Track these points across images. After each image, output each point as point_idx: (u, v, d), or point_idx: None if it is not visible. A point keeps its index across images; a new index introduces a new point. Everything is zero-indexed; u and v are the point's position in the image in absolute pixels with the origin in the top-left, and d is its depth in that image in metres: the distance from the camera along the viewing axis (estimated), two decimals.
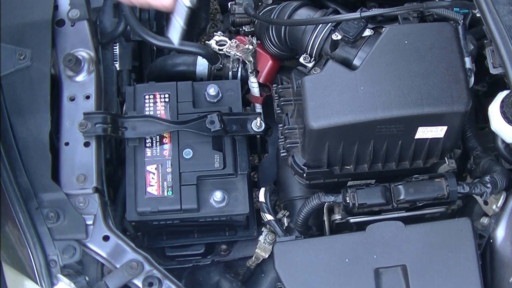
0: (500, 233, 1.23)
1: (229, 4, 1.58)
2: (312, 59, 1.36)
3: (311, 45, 1.36)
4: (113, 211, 1.41)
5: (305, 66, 1.36)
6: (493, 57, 1.27)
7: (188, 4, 1.28)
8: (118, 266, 1.31)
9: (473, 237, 1.21)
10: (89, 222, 1.33)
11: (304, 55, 1.37)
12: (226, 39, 1.42)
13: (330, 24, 1.34)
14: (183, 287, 1.33)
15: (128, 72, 1.60)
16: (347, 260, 1.21)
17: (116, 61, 1.59)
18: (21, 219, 1.30)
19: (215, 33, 1.46)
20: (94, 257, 1.33)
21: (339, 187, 1.29)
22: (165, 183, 1.37)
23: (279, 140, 1.39)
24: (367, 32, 1.29)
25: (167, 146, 1.41)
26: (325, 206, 1.32)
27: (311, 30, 1.36)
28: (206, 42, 1.42)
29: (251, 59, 1.44)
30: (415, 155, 1.28)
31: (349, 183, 1.29)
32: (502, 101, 1.21)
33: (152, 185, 1.37)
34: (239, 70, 1.50)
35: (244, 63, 1.46)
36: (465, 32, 1.29)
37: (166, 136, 1.42)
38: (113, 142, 1.51)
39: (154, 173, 1.38)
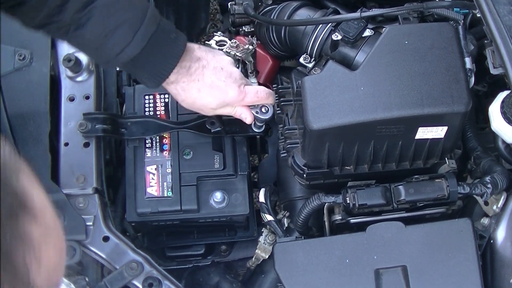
0: (500, 233, 1.22)
1: (229, 4, 1.57)
2: (312, 59, 1.36)
3: (311, 45, 1.35)
4: (113, 211, 1.41)
5: (305, 67, 1.35)
6: (493, 57, 1.27)
7: (257, 130, 1.39)
8: (118, 267, 1.31)
9: (474, 238, 1.21)
10: (89, 223, 1.33)
11: (304, 55, 1.37)
12: (226, 39, 1.41)
13: (330, 24, 1.34)
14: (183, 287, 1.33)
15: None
16: (347, 260, 1.21)
17: None
18: None
19: (215, 33, 1.45)
20: (94, 258, 1.33)
21: (339, 188, 1.28)
22: (165, 183, 1.37)
23: (279, 141, 1.38)
24: (367, 32, 1.29)
25: (167, 147, 1.41)
26: (325, 206, 1.32)
27: (311, 30, 1.36)
28: (206, 42, 1.41)
29: (251, 59, 1.43)
30: (415, 155, 1.28)
31: (349, 183, 1.29)
32: (503, 101, 1.21)
33: (152, 186, 1.37)
34: (239, 70, 1.49)
35: (244, 63, 1.45)
36: (465, 32, 1.29)
37: (166, 136, 1.42)
38: (113, 143, 1.50)
39: (154, 174, 1.38)
